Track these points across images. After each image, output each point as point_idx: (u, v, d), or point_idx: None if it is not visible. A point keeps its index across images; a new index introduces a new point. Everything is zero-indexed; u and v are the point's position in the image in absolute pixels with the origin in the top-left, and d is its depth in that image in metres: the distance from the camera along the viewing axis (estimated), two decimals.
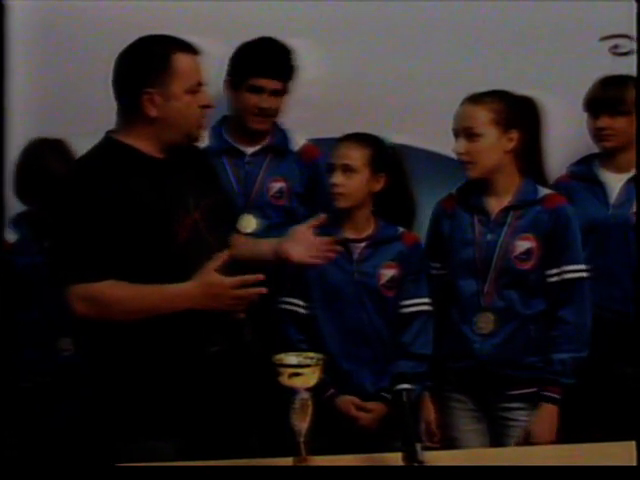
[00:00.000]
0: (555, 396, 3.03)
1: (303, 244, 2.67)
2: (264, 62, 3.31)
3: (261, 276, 2.48)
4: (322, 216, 2.76)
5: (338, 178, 3.07)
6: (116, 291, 2.49)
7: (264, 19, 3.46)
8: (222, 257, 2.49)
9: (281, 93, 3.35)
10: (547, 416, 3.03)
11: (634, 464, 2.29)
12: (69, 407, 2.95)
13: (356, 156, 3.07)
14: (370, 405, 3.08)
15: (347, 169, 3.07)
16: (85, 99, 2.65)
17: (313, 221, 2.73)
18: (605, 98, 3.38)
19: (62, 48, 3.38)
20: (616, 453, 2.42)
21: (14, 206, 3.14)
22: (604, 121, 3.38)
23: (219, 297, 2.47)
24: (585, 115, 3.42)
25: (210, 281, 2.47)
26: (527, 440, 3.01)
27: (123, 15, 3.36)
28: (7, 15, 2.78)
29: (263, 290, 2.48)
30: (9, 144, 2.80)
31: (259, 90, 3.31)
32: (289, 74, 3.36)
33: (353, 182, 3.07)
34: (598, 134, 3.40)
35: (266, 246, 2.77)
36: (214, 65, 3.25)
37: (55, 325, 3.14)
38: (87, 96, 2.63)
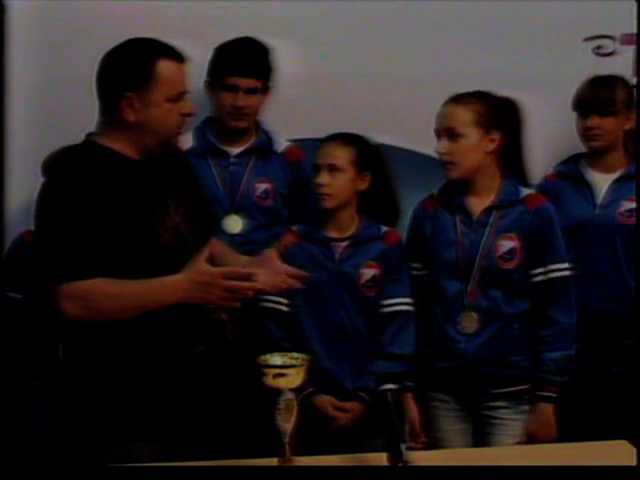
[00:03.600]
0: (552, 395, 3.04)
1: (268, 271, 2.60)
2: (238, 60, 3.31)
3: (255, 271, 2.45)
4: (287, 239, 2.87)
5: (324, 178, 3.07)
6: (105, 286, 2.46)
7: (245, 19, 3.45)
8: (211, 247, 2.47)
9: (258, 92, 3.34)
10: (545, 416, 3.04)
11: (634, 464, 2.29)
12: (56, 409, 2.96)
13: (341, 155, 3.07)
14: (347, 405, 3.06)
15: (333, 169, 3.06)
16: (84, 99, 2.65)
17: (278, 246, 2.70)
18: (594, 98, 3.38)
19: (62, 48, 3.37)
20: (615, 452, 2.43)
21: (15, 206, 3.12)
22: (593, 121, 3.38)
23: (209, 287, 2.42)
24: (567, 115, 3.42)
25: (200, 270, 2.43)
26: (527, 440, 3.02)
27: (123, 15, 3.35)
28: (7, 15, 2.78)
29: (257, 285, 2.44)
30: (9, 144, 2.81)
31: (234, 89, 3.31)
32: (265, 72, 3.35)
33: (339, 182, 3.06)
34: (586, 134, 3.41)
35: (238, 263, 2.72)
36: (198, 67, 3.28)
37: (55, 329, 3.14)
38: (86, 96, 2.63)
